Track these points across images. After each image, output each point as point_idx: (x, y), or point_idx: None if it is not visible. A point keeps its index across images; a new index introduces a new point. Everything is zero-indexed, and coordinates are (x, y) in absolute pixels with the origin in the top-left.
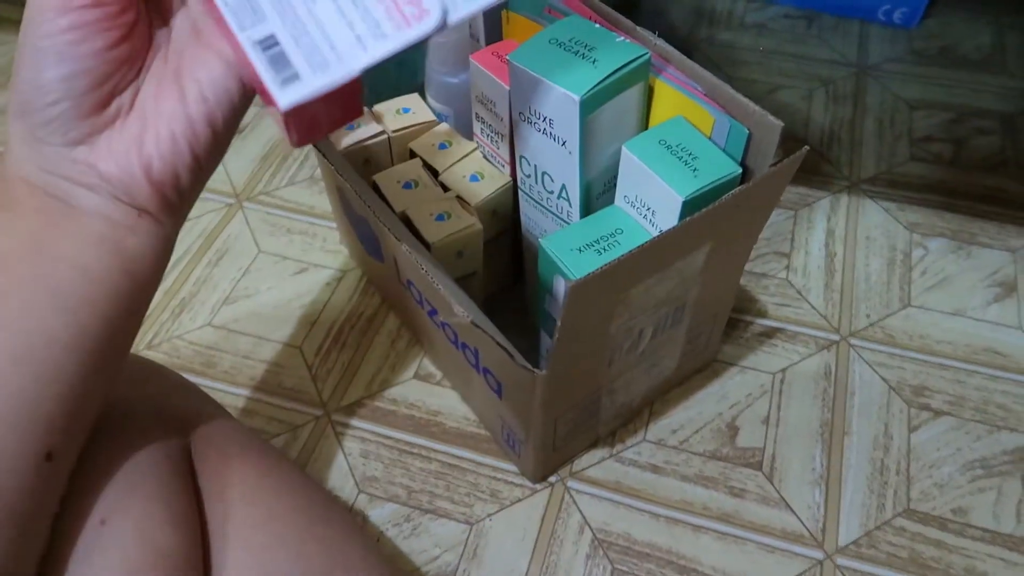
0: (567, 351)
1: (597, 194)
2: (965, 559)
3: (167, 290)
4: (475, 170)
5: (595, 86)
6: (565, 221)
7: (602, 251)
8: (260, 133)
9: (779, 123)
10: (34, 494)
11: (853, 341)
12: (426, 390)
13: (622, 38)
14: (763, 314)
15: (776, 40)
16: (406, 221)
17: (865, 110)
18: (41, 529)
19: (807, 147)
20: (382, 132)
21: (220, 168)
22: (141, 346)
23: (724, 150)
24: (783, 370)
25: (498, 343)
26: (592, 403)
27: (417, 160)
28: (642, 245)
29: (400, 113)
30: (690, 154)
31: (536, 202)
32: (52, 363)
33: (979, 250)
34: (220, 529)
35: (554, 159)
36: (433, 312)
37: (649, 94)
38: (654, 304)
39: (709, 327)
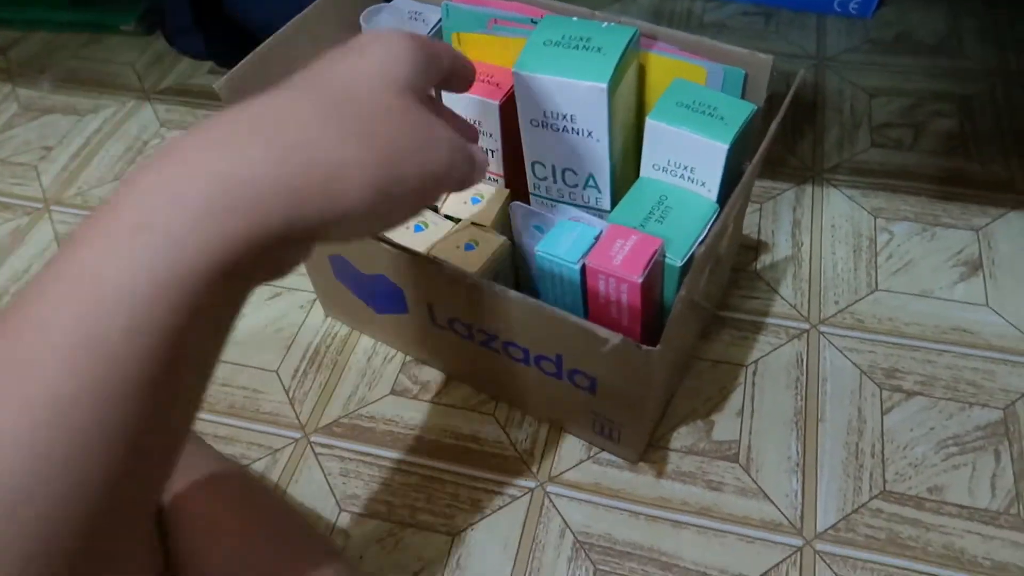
0: (682, 322)
1: (616, 174)
2: (943, 536)
3: None
4: (472, 192)
5: (613, 71)
6: (594, 208)
7: (661, 219)
8: None
9: (769, 57)
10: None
11: (823, 328)
12: (403, 404)
13: (606, 23)
14: (734, 308)
15: (736, 37)
16: (436, 261)
17: (825, 101)
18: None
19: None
20: None
21: None
22: None
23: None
24: (755, 362)
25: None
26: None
27: None
28: (729, 199)
29: None
30: (709, 107)
31: (555, 201)
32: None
33: (943, 231)
34: (188, 561)
35: (577, 152)
36: (491, 340)
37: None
38: (715, 261)
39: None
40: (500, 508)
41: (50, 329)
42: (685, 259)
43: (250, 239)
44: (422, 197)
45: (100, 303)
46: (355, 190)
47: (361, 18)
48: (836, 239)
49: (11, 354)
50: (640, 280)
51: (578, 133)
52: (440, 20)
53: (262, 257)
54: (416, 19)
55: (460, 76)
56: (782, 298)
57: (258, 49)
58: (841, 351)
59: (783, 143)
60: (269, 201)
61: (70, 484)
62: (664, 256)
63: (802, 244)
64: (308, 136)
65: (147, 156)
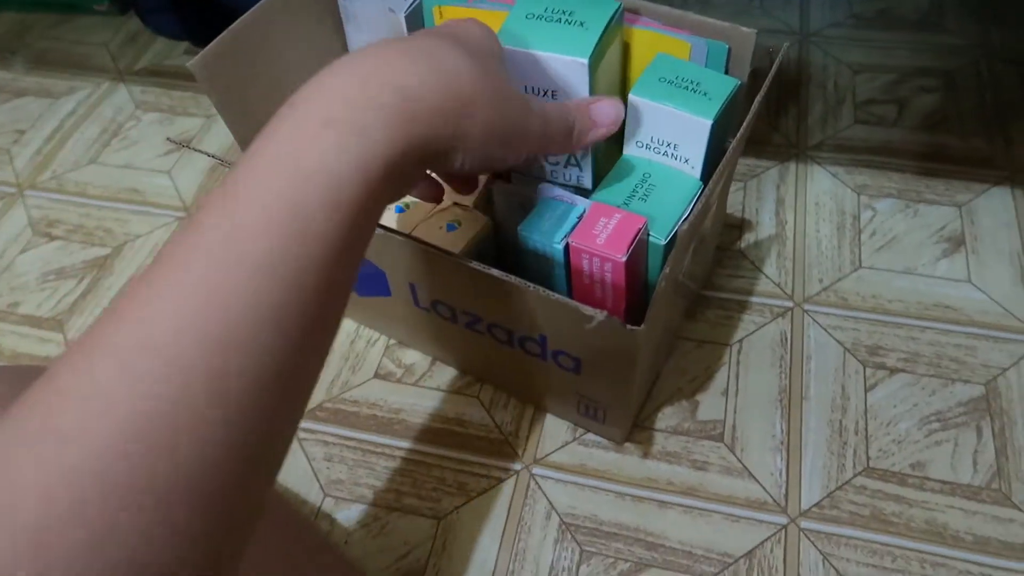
0: (666, 300)
1: (598, 152)
2: (925, 512)
3: None
4: None
5: (595, 46)
6: (576, 187)
7: (644, 197)
8: (207, 145)
9: (752, 31)
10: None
11: (807, 307)
12: (388, 388)
13: None
14: (718, 287)
15: (719, 14)
16: (418, 242)
17: (809, 77)
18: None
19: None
20: None
21: (168, 183)
22: None
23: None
24: (740, 341)
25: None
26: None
27: None
28: (713, 176)
29: None
30: (692, 82)
31: (537, 180)
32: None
33: (926, 207)
34: None
35: None
36: (475, 321)
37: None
38: (699, 240)
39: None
40: (486, 491)
41: (253, 202)
42: (669, 237)
43: (409, 144)
44: (522, 147)
45: (302, 181)
46: (478, 124)
47: None
48: (820, 217)
49: (221, 222)
50: (624, 259)
51: None
52: None
53: (410, 166)
54: None
55: None
56: (766, 276)
57: (233, 26)
58: (825, 329)
59: (767, 120)
60: (429, 113)
61: (276, 335)
62: (648, 234)
63: (786, 222)
64: (459, 69)
65: (123, 139)
